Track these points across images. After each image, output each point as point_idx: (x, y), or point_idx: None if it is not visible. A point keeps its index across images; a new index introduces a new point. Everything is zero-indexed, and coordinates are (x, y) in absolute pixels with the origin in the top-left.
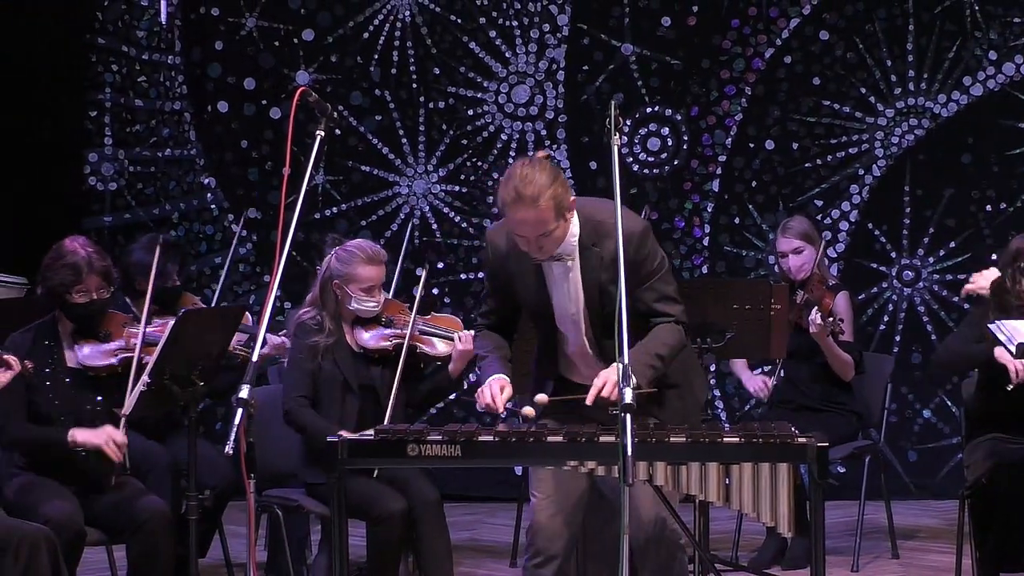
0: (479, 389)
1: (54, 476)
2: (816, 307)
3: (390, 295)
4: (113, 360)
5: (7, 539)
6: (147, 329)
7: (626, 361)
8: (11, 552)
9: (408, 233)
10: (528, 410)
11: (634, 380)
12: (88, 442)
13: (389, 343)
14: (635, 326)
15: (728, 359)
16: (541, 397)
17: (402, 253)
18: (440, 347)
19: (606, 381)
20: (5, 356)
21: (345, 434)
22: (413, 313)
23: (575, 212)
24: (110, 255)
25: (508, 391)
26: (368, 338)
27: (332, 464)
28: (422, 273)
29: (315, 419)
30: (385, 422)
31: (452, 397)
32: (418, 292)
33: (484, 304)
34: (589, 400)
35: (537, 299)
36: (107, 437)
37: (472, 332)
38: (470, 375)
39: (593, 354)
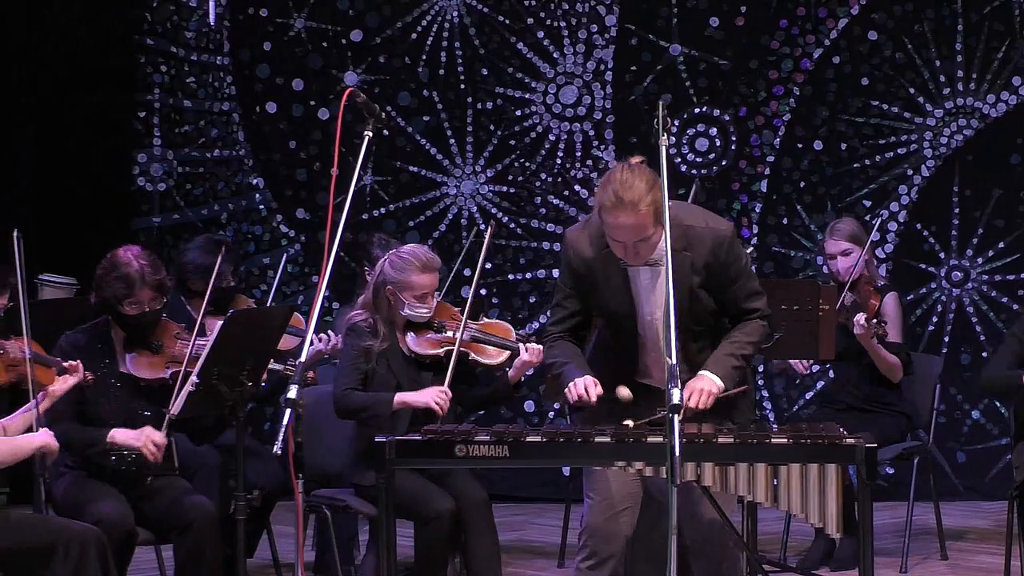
0: (569, 385)
1: (102, 475)
2: (861, 310)
3: (441, 296)
4: (164, 374)
5: (57, 539)
6: (197, 345)
7: (674, 361)
8: (60, 551)
9: (469, 239)
10: (624, 391)
11: (723, 386)
12: (127, 443)
13: (440, 349)
14: (719, 326)
15: (776, 360)
16: (623, 392)
17: (461, 257)
18: (492, 354)
19: (691, 391)
20: (67, 363)
21: (406, 395)
22: (464, 319)
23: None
24: (160, 255)
25: (600, 388)
26: (419, 343)
27: (380, 464)
28: (485, 236)
29: (368, 395)
30: (439, 421)
31: None
32: (469, 294)
33: (558, 309)
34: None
35: (622, 303)
36: (146, 439)
37: (535, 345)
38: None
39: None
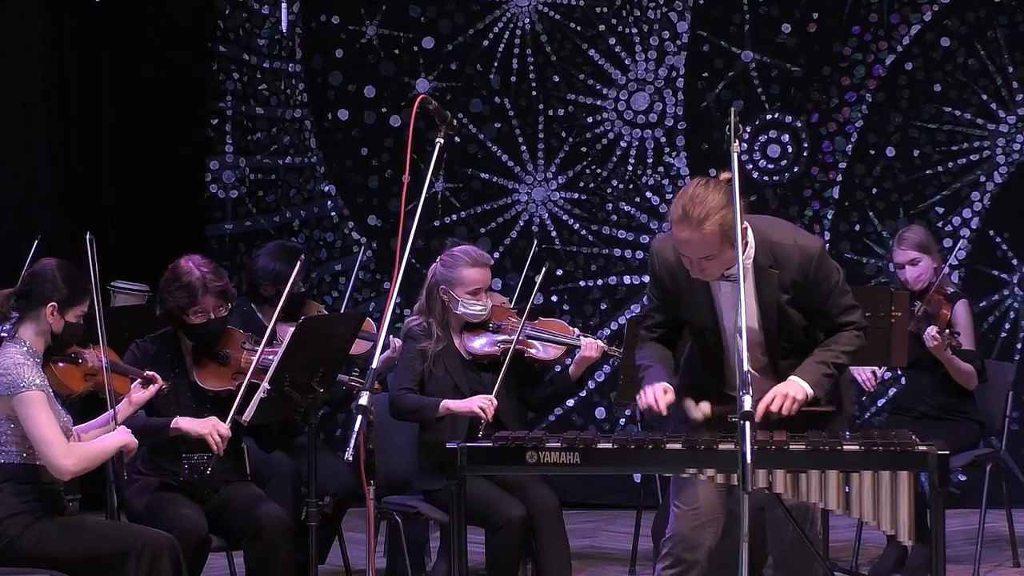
0: (640, 391)
1: (173, 483)
2: (933, 320)
3: (512, 303)
4: (230, 385)
5: (129, 545)
6: (263, 354)
7: (745, 368)
8: (133, 558)
9: (534, 245)
10: (705, 406)
11: (812, 393)
12: (193, 430)
13: (497, 348)
14: (813, 341)
15: (849, 367)
16: (704, 406)
17: (528, 262)
18: (549, 352)
19: (775, 395)
20: (148, 374)
21: (451, 403)
22: (522, 320)
23: (751, 233)
24: (231, 262)
25: (671, 396)
26: (476, 344)
27: (452, 471)
28: (538, 279)
29: (418, 398)
30: (481, 425)
31: (571, 404)
32: (531, 296)
33: (648, 317)
34: (757, 416)
35: (705, 315)
36: (212, 427)
37: (593, 339)
38: (588, 380)
39: (763, 374)
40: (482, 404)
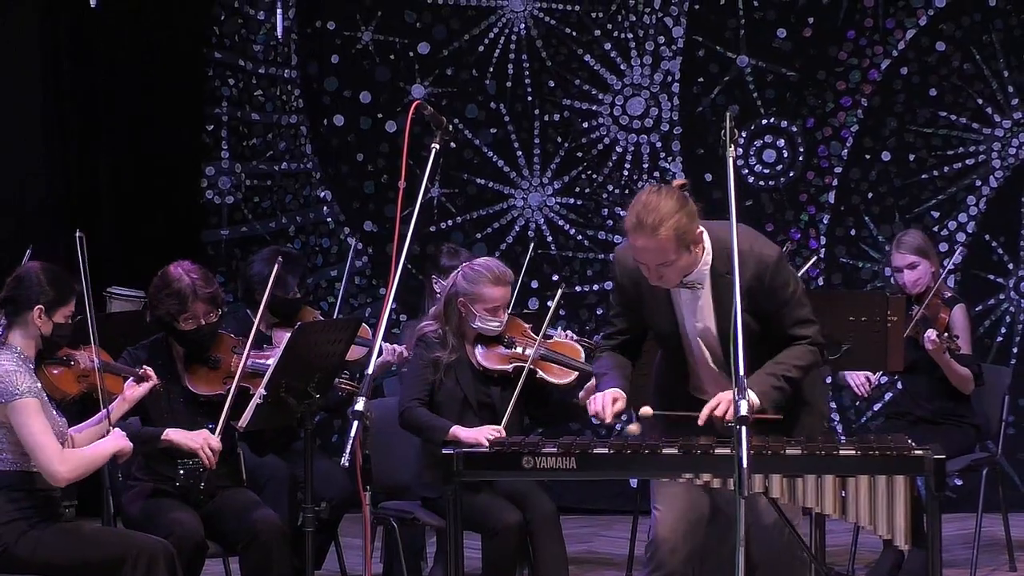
0: (591, 397)
1: (169, 489)
2: (931, 324)
3: (508, 310)
4: (221, 390)
5: (126, 551)
6: (253, 358)
7: (741, 372)
8: (129, 563)
9: (530, 251)
10: (634, 427)
11: (758, 403)
12: (184, 444)
13: (509, 365)
14: (769, 352)
15: (844, 371)
16: (645, 410)
17: (523, 269)
18: (560, 374)
19: (720, 401)
20: (142, 370)
21: (460, 430)
22: (538, 339)
23: (707, 238)
24: (227, 268)
25: (620, 404)
26: (489, 358)
27: (448, 476)
28: (551, 303)
29: (430, 417)
30: None
31: None
32: (547, 317)
33: (610, 324)
34: (701, 420)
35: (666, 320)
36: (203, 441)
37: None
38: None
39: (720, 379)
40: (490, 436)
